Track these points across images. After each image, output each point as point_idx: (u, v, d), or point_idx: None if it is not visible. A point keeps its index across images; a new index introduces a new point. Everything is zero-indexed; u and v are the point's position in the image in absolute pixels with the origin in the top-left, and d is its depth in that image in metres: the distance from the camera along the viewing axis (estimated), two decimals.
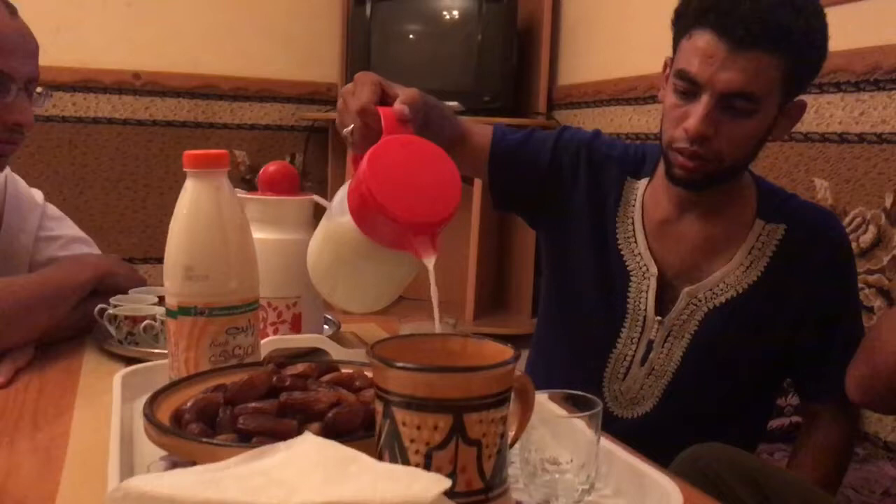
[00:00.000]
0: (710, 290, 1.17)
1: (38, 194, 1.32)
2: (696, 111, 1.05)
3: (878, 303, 1.77)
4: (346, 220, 0.79)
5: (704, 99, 1.05)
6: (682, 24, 1.09)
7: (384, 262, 0.81)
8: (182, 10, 3.15)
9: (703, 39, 1.04)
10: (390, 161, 0.76)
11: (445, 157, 0.79)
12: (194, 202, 0.80)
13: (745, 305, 1.16)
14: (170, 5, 3.13)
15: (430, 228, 0.74)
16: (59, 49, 2.96)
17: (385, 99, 0.87)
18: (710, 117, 1.05)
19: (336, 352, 1.00)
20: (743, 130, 1.07)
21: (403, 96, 0.86)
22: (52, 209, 1.33)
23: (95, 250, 1.33)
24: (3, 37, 1.07)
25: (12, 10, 1.12)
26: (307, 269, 0.90)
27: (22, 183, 1.30)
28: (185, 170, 0.80)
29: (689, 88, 1.06)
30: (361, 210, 0.76)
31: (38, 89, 1.15)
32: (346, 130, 0.88)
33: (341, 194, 0.82)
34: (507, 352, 0.57)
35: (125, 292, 1.18)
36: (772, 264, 1.16)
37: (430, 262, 0.74)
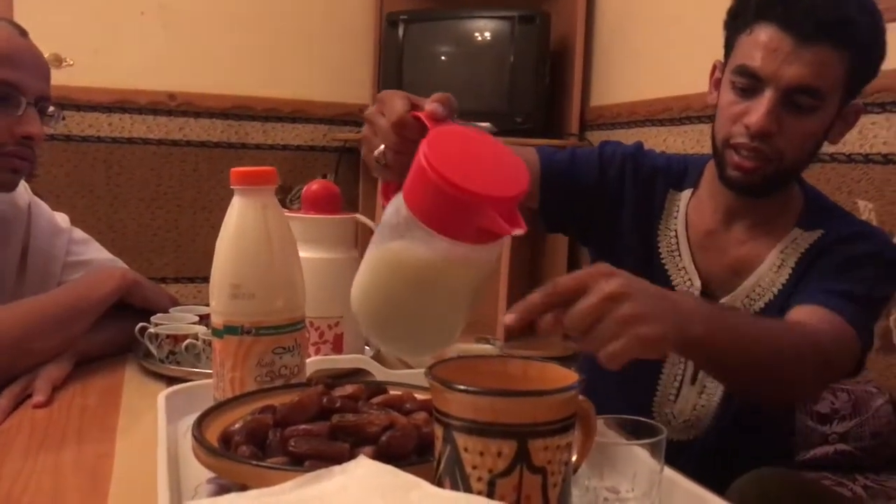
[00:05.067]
0: (747, 296, 1.14)
1: (63, 218, 1.32)
2: (759, 106, 1.03)
3: None
4: (399, 241, 0.68)
5: (768, 94, 1.03)
6: (741, 21, 1.07)
7: (447, 287, 0.70)
8: (216, 32, 3.18)
9: (766, 33, 1.03)
10: (448, 147, 0.68)
11: (499, 142, 0.72)
12: (241, 220, 0.79)
13: (782, 308, 1.11)
14: (205, 27, 3.17)
15: (510, 203, 0.65)
16: (95, 70, 3.01)
17: (416, 110, 0.78)
18: (773, 113, 1.03)
19: (379, 372, 0.98)
20: (805, 128, 1.05)
21: (434, 96, 0.77)
22: (79, 233, 1.32)
23: None
24: (13, 52, 1.10)
25: (22, 32, 1.15)
26: (353, 306, 0.75)
27: (46, 208, 1.30)
28: (232, 187, 0.80)
29: (750, 84, 1.05)
30: (433, 203, 0.65)
31: (50, 109, 1.17)
32: (377, 152, 0.80)
33: (386, 221, 0.71)
34: (570, 376, 0.55)
35: (155, 305, 1.18)
36: (801, 260, 1.12)
37: (520, 232, 0.64)
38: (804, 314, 1.01)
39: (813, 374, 0.95)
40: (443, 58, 3.09)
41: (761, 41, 1.03)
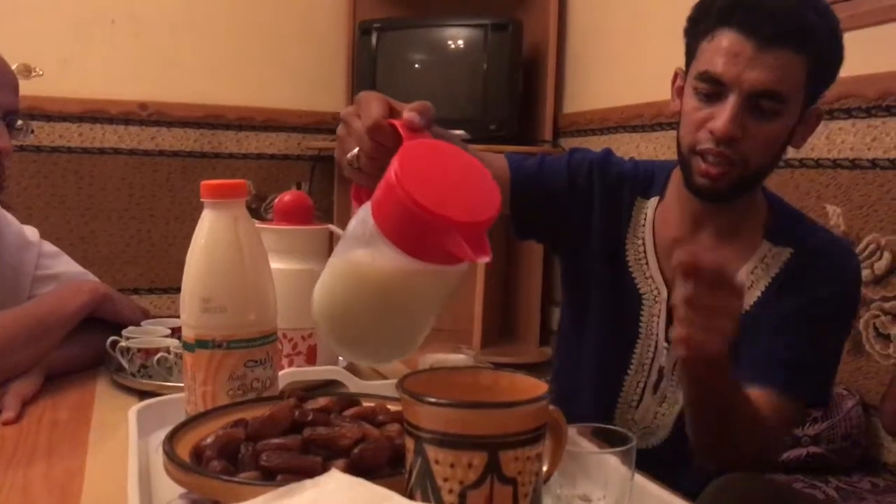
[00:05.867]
0: None
1: (32, 232, 1.30)
2: (723, 112, 1.04)
3: (894, 331, 1.75)
4: (363, 252, 0.68)
5: (732, 99, 1.04)
6: (702, 27, 1.08)
7: (408, 301, 0.70)
8: (188, 40, 3.17)
9: (727, 39, 1.04)
10: (421, 164, 0.67)
11: (472, 158, 0.71)
12: (212, 233, 0.79)
13: (747, 326, 1.13)
14: (176, 36, 3.15)
15: (479, 227, 0.65)
16: (66, 80, 2.98)
17: (393, 116, 0.78)
18: (737, 118, 1.04)
19: (353, 384, 0.98)
20: (768, 132, 1.06)
21: (412, 105, 0.76)
22: (48, 246, 1.31)
23: None
24: None
25: None
26: (313, 310, 0.75)
27: (14, 221, 1.28)
28: (202, 200, 0.79)
29: (713, 90, 1.05)
30: (400, 222, 0.65)
31: (19, 123, 1.15)
32: (350, 155, 0.79)
33: (352, 231, 0.70)
34: (541, 386, 0.55)
35: (127, 318, 1.17)
36: (773, 283, 1.13)
37: (485, 260, 0.64)
38: (757, 397, 1.05)
39: (753, 451, 1.04)
40: (416, 66, 3.10)
41: (723, 47, 1.04)
